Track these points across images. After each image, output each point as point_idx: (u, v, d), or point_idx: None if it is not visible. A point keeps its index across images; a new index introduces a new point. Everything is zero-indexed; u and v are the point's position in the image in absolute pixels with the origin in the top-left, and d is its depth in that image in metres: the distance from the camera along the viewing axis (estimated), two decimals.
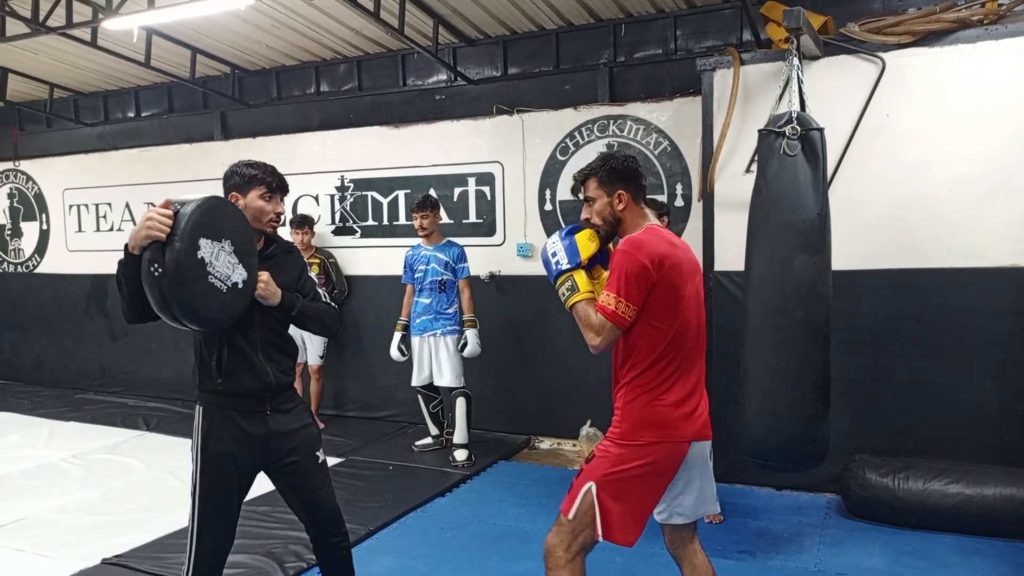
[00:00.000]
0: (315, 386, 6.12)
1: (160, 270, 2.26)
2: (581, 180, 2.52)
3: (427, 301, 5.21)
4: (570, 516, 2.34)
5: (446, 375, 5.21)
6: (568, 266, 2.40)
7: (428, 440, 5.53)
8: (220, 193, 2.61)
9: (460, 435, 5.27)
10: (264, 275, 2.56)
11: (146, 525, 4.07)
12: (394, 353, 5.39)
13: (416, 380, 5.32)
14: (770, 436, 3.51)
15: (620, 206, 2.45)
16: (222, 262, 2.37)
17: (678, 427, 2.34)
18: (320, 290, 2.83)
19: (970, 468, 3.90)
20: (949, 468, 3.90)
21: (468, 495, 4.66)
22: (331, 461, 5.08)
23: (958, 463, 3.96)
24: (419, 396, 5.44)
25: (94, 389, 7.83)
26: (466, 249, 5.32)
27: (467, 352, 5.21)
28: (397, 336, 5.39)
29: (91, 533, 4.02)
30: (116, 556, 3.69)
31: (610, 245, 2.56)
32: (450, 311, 5.23)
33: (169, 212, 2.29)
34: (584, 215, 2.51)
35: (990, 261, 4.05)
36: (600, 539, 2.33)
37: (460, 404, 5.25)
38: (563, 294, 2.40)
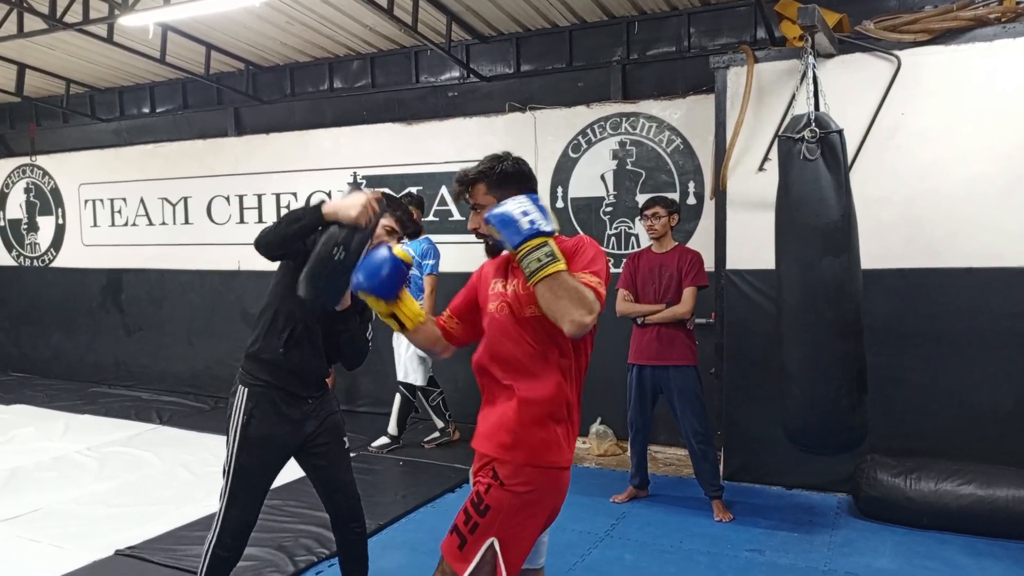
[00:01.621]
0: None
1: (343, 253, 2.35)
2: (467, 185, 2.17)
3: None
4: (465, 575, 2.04)
5: (410, 373, 5.34)
6: (548, 228, 1.96)
7: (436, 435, 5.57)
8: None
9: (391, 425, 5.46)
10: None
11: (160, 517, 4.11)
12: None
13: (400, 376, 5.47)
14: (809, 426, 3.68)
15: None
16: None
17: (569, 455, 2.10)
18: (371, 327, 2.93)
19: (983, 469, 3.87)
20: (961, 469, 3.88)
21: None
22: None
23: (971, 464, 3.93)
24: (419, 393, 5.50)
25: (109, 383, 7.90)
26: (478, 246, 5.30)
27: (413, 350, 5.25)
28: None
29: (105, 525, 4.06)
30: (130, 548, 3.73)
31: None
32: None
33: (378, 201, 2.42)
34: (471, 225, 2.19)
35: (1006, 261, 4.02)
36: None
37: (397, 397, 5.46)
38: (538, 259, 1.92)
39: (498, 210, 1.99)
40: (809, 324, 3.59)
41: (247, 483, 2.67)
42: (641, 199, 5.30)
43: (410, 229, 2.87)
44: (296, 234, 2.46)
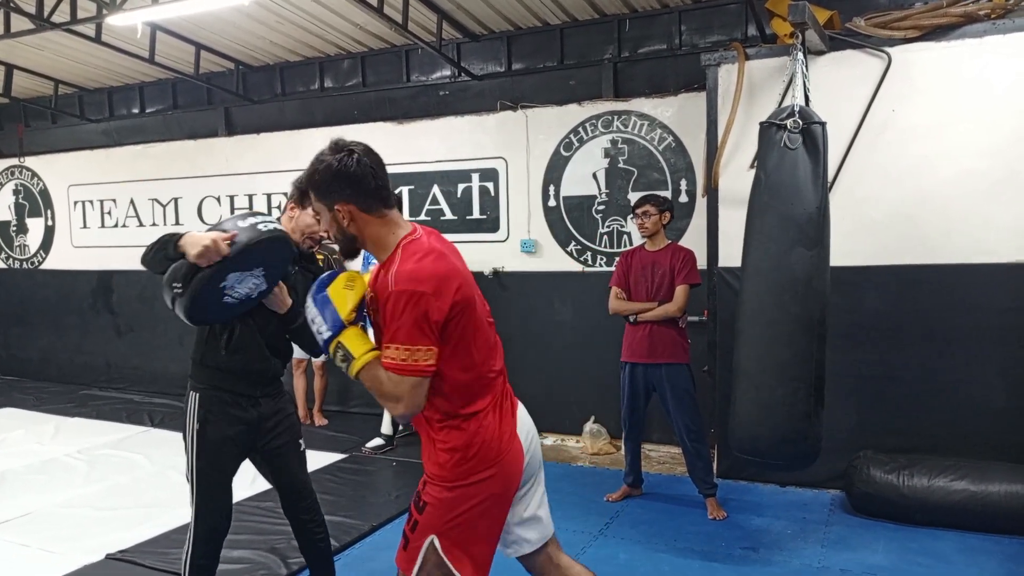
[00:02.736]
0: (319, 382, 6.13)
1: (180, 289, 2.39)
2: (298, 193, 2.14)
3: None
4: (412, 574, 2.02)
5: None
6: (329, 333, 1.91)
7: (379, 441, 5.41)
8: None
9: (385, 425, 5.44)
10: (280, 286, 2.67)
11: (150, 520, 4.08)
12: None
13: None
14: (761, 432, 3.46)
15: (346, 222, 1.96)
16: (244, 284, 2.51)
17: (509, 447, 2.03)
18: None
19: (976, 465, 3.88)
20: (954, 465, 3.88)
21: None
22: (335, 457, 5.17)
23: (964, 460, 3.94)
24: None
25: (99, 385, 7.85)
26: (470, 245, 5.32)
27: None
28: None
29: (95, 528, 4.03)
30: (120, 551, 3.70)
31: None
32: None
33: (226, 249, 2.35)
34: (320, 231, 2.15)
35: (997, 257, 4.03)
36: None
37: None
38: (340, 364, 1.93)
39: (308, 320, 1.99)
40: (773, 319, 3.42)
41: (211, 488, 2.68)
42: (633, 197, 5.30)
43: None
44: (158, 263, 2.46)
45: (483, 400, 2.02)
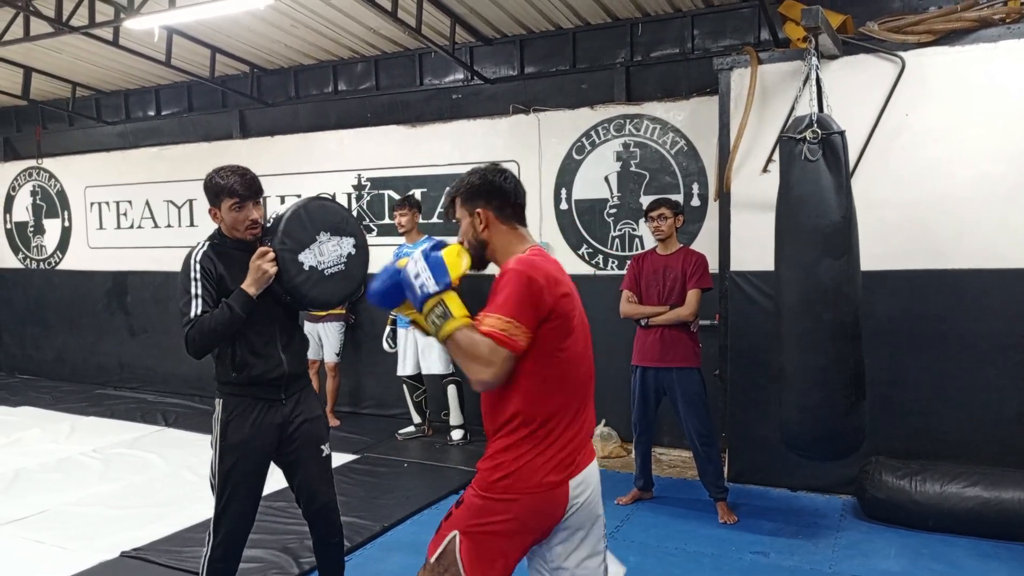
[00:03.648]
0: (331, 383, 6.16)
1: (288, 297, 2.68)
2: (449, 201, 2.23)
3: None
4: (432, 559, 2.11)
5: (434, 364, 5.52)
6: (436, 288, 1.97)
7: (411, 428, 5.79)
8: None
9: (456, 417, 5.62)
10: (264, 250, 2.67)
11: (164, 519, 4.12)
12: (384, 345, 5.80)
13: (400, 370, 5.68)
14: (804, 431, 3.65)
15: (481, 226, 2.13)
16: (328, 253, 2.73)
17: (548, 488, 2.02)
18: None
19: (988, 471, 3.86)
20: (967, 471, 3.86)
21: None
22: (347, 458, 5.19)
23: (976, 466, 3.93)
24: (404, 386, 5.73)
25: (114, 384, 7.92)
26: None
27: (427, 341, 5.40)
28: (388, 329, 5.79)
29: (110, 526, 4.07)
30: (135, 549, 3.74)
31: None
32: None
33: (267, 250, 2.62)
34: (458, 239, 2.21)
35: (1011, 262, 4.01)
36: None
37: (452, 391, 5.61)
38: (433, 323, 1.97)
39: (403, 275, 2.04)
40: (806, 327, 3.55)
41: (235, 491, 2.69)
42: (645, 201, 5.31)
43: (246, 193, 2.75)
44: (228, 332, 2.63)
45: (545, 431, 2.03)
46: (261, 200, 2.78)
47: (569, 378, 2.07)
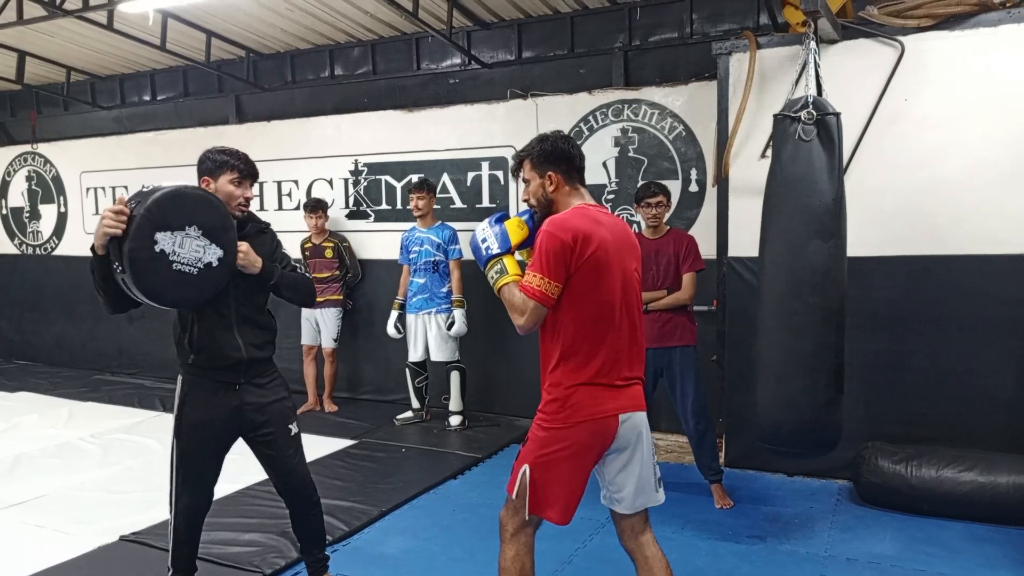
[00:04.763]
0: (329, 369, 6.16)
1: (120, 267, 2.42)
2: (518, 162, 2.52)
3: (422, 281, 5.51)
4: (513, 495, 2.40)
5: (442, 351, 5.52)
6: (498, 250, 2.42)
7: (409, 414, 5.81)
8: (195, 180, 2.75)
9: (455, 403, 5.62)
10: (244, 245, 2.70)
11: (162, 503, 4.04)
12: (391, 330, 5.75)
13: (412, 356, 5.65)
14: (783, 421, 3.51)
15: (551, 187, 2.45)
16: (188, 248, 2.51)
17: (602, 403, 2.34)
18: (296, 263, 2.99)
19: (983, 455, 3.88)
20: (962, 455, 3.88)
21: (479, 478, 4.70)
22: (345, 443, 5.21)
23: (972, 450, 3.95)
24: (407, 371, 5.73)
25: (112, 370, 7.93)
26: (466, 235, 5.35)
27: (453, 331, 5.48)
28: (394, 314, 5.74)
29: (109, 510, 4.08)
30: (133, 533, 3.75)
31: None
32: (444, 291, 5.53)
33: (122, 209, 2.41)
34: (523, 196, 2.53)
35: (1008, 247, 4.01)
36: (527, 514, 2.38)
37: (455, 377, 5.60)
38: (492, 277, 2.41)
39: (472, 239, 2.50)
40: (790, 310, 3.46)
41: (189, 469, 2.77)
42: None
43: (246, 171, 2.80)
44: (101, 282, 2.51)
45: (590, 353, 2.32)
46: (255, 184, 2.82)
47: (603, 319, 2.34)
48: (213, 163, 2.76)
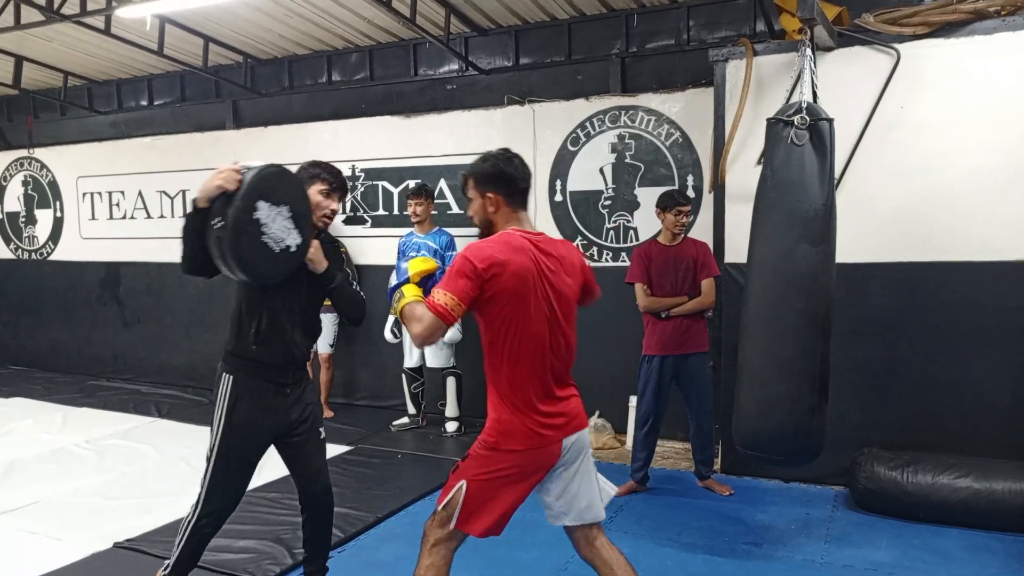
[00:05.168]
0: (325, 374, 6.15)
1: (221, 222, 2.48)
2: (463, 180, 2.49)
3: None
4: (440, 507, 2.40)
5: (438, 358, 5.54)
6: (396, 283, 2.46)
7: (405, 420, 5.83)
8: None
9: (451, 410, 5.65)
10: (315, 243, 2.79)
11: (158, 509, 4.11)
12: (387, 335, 5.75)
13: (408, 362, 5.67)
14: (763, 427, 3.49)
15: (491, 209, 2.42)
16: (278, 225, 2.60)
17: (545, 430, 2.33)
18: (355, 283, 3.05)
19: (980, 462, 3.88)
20: (959, 462, 3.88)
21: None
22: (340, 449, 5.20)
23: (968, 457, 3.94)
24: (403, 376, 5.75)
25: (107, 376, 7.90)
26: (464, 240, 5.36)
27: (448, 337, 5.40)
28: (391, 319, 5.69)
29: (104, 516, 4.06)
30: (128, 539, 3.74)
31: None
32: None
33: (240, 170, 2.53)
34: (469, 212, 2.52)
35: (1005, 255, 4.02)
36: (453, 528, 2.39)
37: (451, 382, 5.62)
38: (393, 306, 2.40)
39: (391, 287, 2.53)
40: (777, 314, 3.44)
41: (229, 469, 2.75)
42: (640, 192, 5.34)
43: (336, 184, 2.97)
44: (191, 237, 2.55)
45: (528, 392, 2.32)
46: (342, 200, 2.96)
47: (536, 343, 2.32)
48: (307, 175, 2.91)
